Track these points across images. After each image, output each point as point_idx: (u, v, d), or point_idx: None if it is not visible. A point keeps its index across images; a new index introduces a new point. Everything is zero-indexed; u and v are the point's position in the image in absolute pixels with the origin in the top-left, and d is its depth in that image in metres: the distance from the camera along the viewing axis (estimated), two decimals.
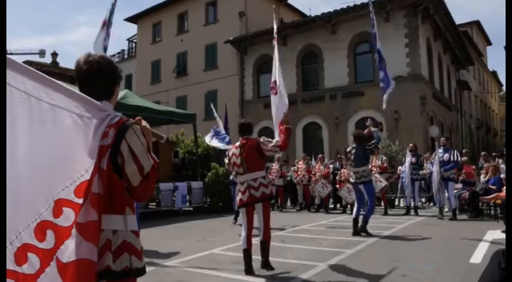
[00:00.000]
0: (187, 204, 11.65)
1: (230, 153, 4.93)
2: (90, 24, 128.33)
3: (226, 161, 5.09)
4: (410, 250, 5.72)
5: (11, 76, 1.47)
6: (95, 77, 1.67)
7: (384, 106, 6.89)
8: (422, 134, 17.78)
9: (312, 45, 20.86)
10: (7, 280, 1.42)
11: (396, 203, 12.35)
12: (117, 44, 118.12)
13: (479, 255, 5.15)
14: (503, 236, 5.62)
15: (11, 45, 38.61)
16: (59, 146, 1.48)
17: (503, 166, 9.55)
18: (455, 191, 9.42)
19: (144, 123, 1.69)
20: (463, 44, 24.49)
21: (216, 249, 6.01)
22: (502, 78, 43.02)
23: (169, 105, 22.52)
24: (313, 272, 4.54)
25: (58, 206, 1.42)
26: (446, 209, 9.28)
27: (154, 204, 11.26)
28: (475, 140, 30.14)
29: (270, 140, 4.80)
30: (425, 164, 11.63)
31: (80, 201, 1.40)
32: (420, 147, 13.62)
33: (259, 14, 22.34)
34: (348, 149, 7.41)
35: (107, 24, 6.16)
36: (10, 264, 1.43)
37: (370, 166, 8.35)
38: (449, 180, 8.99)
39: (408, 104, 17.60)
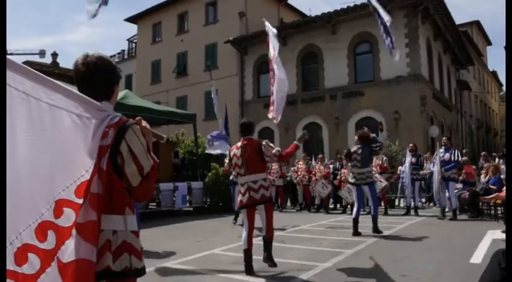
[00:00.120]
0: (188, 204, 11.65)
1: (231, 154, 4.88)
2: (90, 24, 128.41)
3: (226, 161, 5.04)
4: (411, 250, 5.72)
5: (10, 76, 1.47)
6: (93, 78, 1.67)
7: (397, 57, 7.13)
8: (423, 134, 17.79)
9: (312, 45, 20.86)
10: (7, 280, 1.42)
11: (396, 203, 12.34)
12: (117, 44, 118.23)
13: (480, 255, 5.15)
14: (504, 236, 5.62)
15: (11, 45, 38.65)
16: (58, 146, 1.48)
17: (503, 167, 9.55)
18: (456, 191, 9.42)
19: (144, 123, 1.69)
20: (463, 44, 24.49)
21: (216, 250, 6.01)
22: (502, 78, 43.06)
23: (169, 105, 22.53)
24: (313, 272, 4.54)
25: (59, 207, 1.42)
26: (446, 209, 9.28)
27: (154, 204, 11.27)
28: (475, 140, 30.15)
29: (272, 145, 4.76)
30: (425, 164, 11.64)
31: (80, 201, 1.40)
32: (420, 148, 13.62)
33: (259, 14, 22.17)
34: (353, 149, 7.29)
35: None
36: (10, 265, 1.43)
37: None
38: (450, 180, 8.99)
39: (408, 104, 17.60)
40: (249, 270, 4.50)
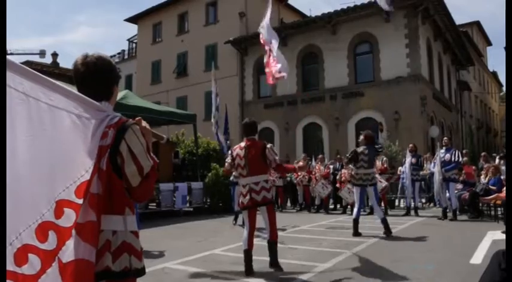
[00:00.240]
0: (188, 204, 11.65)
1: (234, 154, 4.83)
2: (90, 24, 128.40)
3: (228, 160, 4.92)
4: (411, 250, 5.72)
5: (9, 77, 1.47)
6: (93, 78, 1.66)
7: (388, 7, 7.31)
8: (423, 135, 17.79)
9: (312, 46, 20.87)
10: (6, 281, 1.41)
11: (396, 203, 12.34)
12: (117, 44, 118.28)
13: (480, 255, 5.15)
14: (504, 236, 5.61)
15: (11, 45, 38.67)
16: (58, 147, 1.48)
17: (503, 167, 9.55)
18: (456, 191, 9.41)
19: (144, 123, 1.68)
20: (463, 44, 24.50)
21: (216, 250, 6.01)
22: (502, 78, 43.02)
23: (169, 105, 22.53)
24: (313, 273, 4.54)
25: (59, 207, 1.42)
26: (447, 210, 9.27)
27: (154, 204, 11.27)
28: (475, 141, 30.15)
29: (275, 152, 4.78)
30: (425, 165, 11.63)
31: (81, 201, 1.40)
32: (420, 148, 13.63)
33: (260, 14, 22.14)
34: (360, 150, 7.16)
35: None
36: (9, 265, 1.43)
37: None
38: (450, 181, 8.99)
39: (408, 105, 17.61)
40: (249, 271, 4.50)
